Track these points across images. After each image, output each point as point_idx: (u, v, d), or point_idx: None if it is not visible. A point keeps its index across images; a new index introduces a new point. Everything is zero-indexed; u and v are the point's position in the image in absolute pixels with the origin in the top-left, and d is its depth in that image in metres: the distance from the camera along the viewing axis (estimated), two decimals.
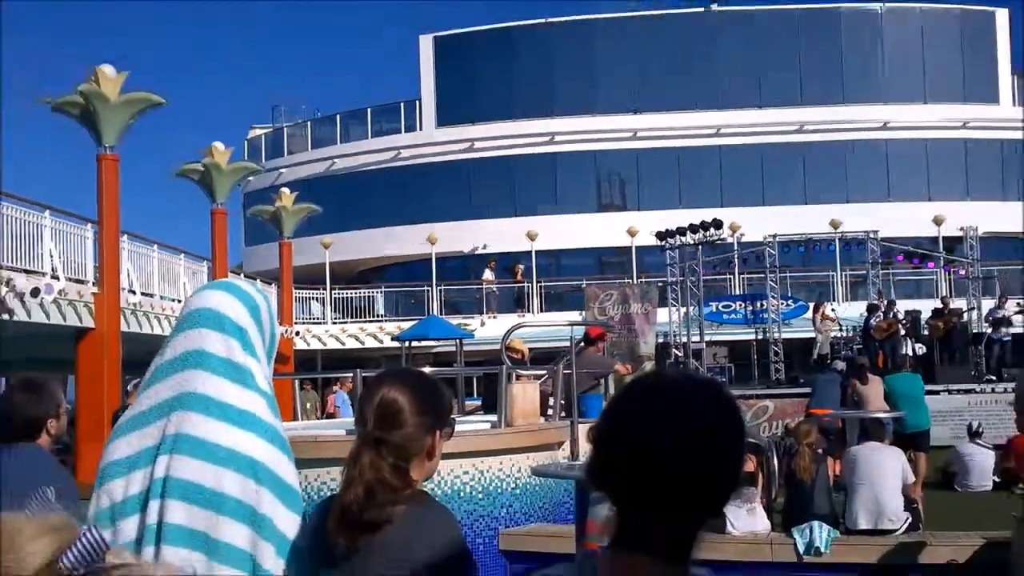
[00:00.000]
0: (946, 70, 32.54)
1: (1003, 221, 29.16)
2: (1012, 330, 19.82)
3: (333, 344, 27.91)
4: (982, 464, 12.56)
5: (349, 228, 31.35)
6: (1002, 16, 33.25)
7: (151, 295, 19.10)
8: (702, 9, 33.19)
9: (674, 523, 1.28)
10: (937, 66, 32.52)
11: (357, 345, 27.83)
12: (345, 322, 28.98)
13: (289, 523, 2.13)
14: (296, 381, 19.70)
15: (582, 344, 9.97)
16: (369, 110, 34.92)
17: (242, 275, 25.05)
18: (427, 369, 17.08)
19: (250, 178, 26.58)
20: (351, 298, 29.93)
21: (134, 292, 17.88)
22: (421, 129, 33.42)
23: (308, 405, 18.88)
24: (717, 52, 32.35)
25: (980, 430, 13.51)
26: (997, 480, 12.46)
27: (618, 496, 1.30)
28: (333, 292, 29.56)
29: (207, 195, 21.36)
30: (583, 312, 18.46)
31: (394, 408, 1.98)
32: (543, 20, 33.42)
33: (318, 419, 16.64)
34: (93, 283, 16.16)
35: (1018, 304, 21.31)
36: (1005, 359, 19.24)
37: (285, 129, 36.77)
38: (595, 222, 31.38)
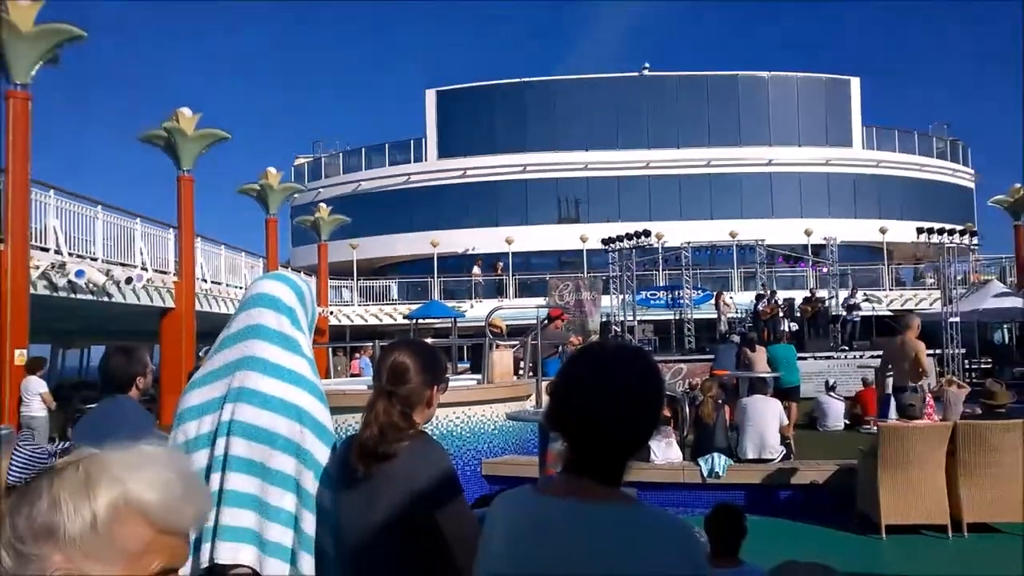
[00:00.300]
0: (814, 121, 32.76)
1: (855, 233, 29.52)
2: (860, 313, 20.02)
3: (359, 321, 27.75)
4: (836, 410, 12.65)
5: (371, 234, 31.13)
6: (855, 83, 33.54)
7: (219, 283, 18.91)
8: (636, 74, 33.24)
9: (610, 457, 1.32)
10: (808, 118, 32.74)
11: (377, 322, 27.70)
12: (368, 304, 28.87)
13: (324, 455, 2.10)
14: (330, 349, 19.66)
15: (545, 322, 9.97)
16: (387, 145, 34.73)
17: (290, 268, 24.88)
18: (429, 340, 17.08)
19: (295, 196, 26.27)
20: (372, 287, 29.87)
21: (205, 280, 17.71)
22: (426, 160, 33.28)
23: (339, 367, 18.80)
24: (647, 106, 32.39)
25: (834, 385, 13.64)
26: (847, 422, 12.57)
27: (568, 436, 1.34)
28: (359, 282, 29.48)
29: (263, 208, 21.17)
30: (547, 298, 18.45)
31: (402, 368, 1.98)
32: (518, 80, 33.38)
33: (347, 377, 16.56)
34: (174, 273, 15.95)
35: (864, 294, 21.51)
36: (855, 334, 19.44)
37: (323, 158, 36.38)
38: (556, 231, 31.48)
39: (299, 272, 20.84)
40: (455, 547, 1.88)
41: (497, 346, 9.31)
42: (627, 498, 1.33)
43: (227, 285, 19.21)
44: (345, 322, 27.40)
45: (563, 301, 17.21)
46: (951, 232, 18.40)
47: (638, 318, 19.21)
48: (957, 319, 18.30)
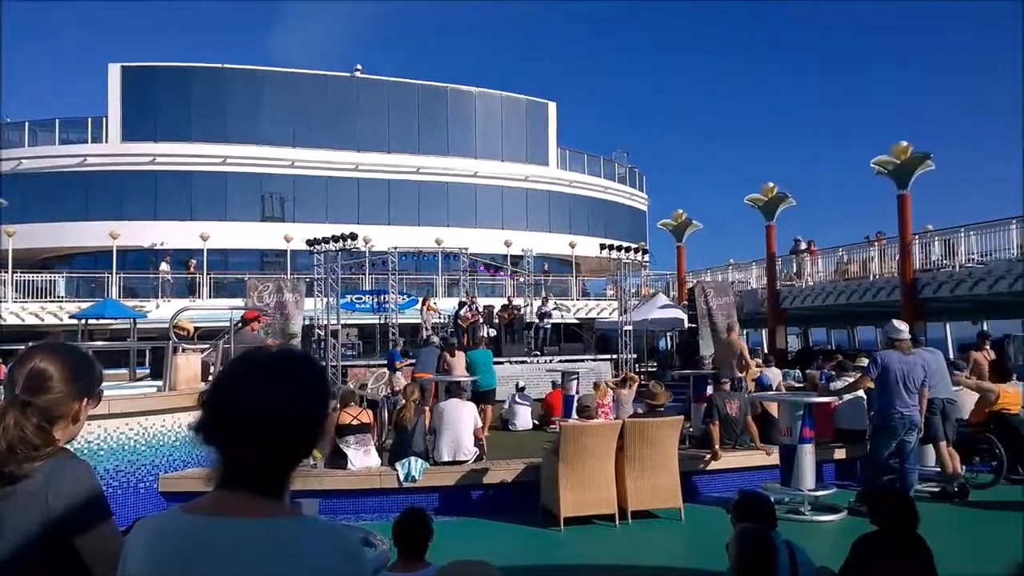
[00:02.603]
0: (516, 139, 35.09)
1: (550, 246, 32.16)
2: (551, 321, 21.77)
3: (13, 320, 23.93)
4: (526, 412, 13.54)
5: (34, 220, 27.04)
6: (552, 107, 36.55)
7: None
8: (348, 74, 32.88)
9: (273, 468, 1.23)
10: (510, 136, 34.98)
11: (37, 321, 24.06)
12: (26, 302, 25.00)
13: None
14: None
15: (240, 324, 9.37)
16: (57, 120, 30.35)
17: None
18: (99, 343, 15.17)
19: None
20: (33, 281, 25.85)
21: None
22: (107, 142, 29.71)
23: None
24: (357, 107, 32.21)
25: (524, 387, 14.60)
26: (536, 423, 13.50)
27: (225, 448, 1.22)
28: (15, 275, 25.40)
29: None
30: (245, 299, 17.50)
31: (43, 375, 1.71)
32: (220, 65, 31.22)
33: None
34: None
35: (555, 303, 23.44)
36: (546, 340, 21.08)
37: None
38: (259, 229, 29.86)
39: None
40: None
41: (183, 350, 8.53)
42: (288, 511, 1.24)
43: None
44: None
45: (262, 303, 16.36)
46: (627, 249, 20.74)
47: (343, 322, 18.94)
48: (630, 327, 20.67)
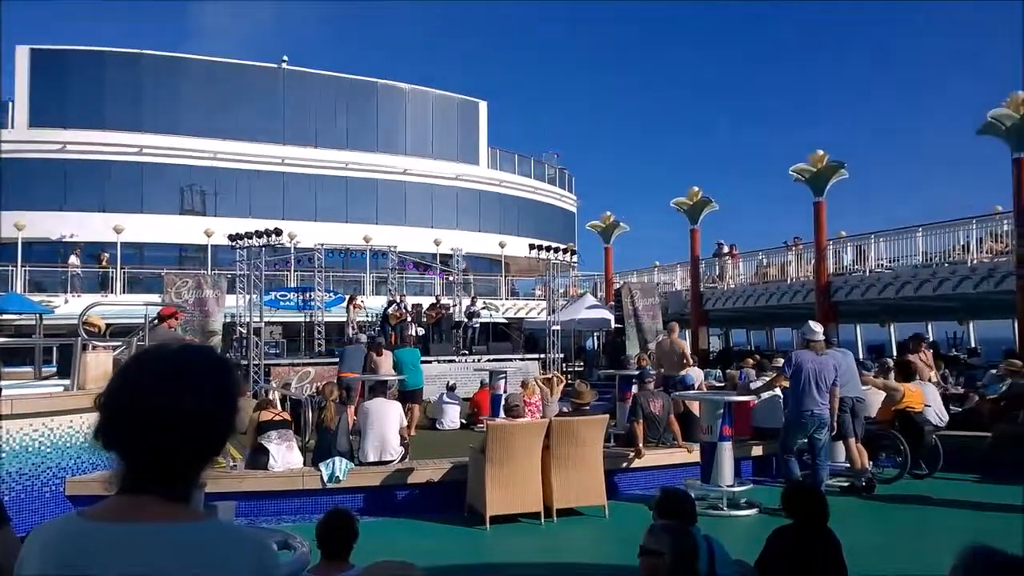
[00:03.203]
0: (447, 137, 34.97)
1: (480, 245, 32.16)
2: (479, 320, 21.78)
3: None
4: (454, 411, 13.52)
5: None
6: (483, 106, 36.56)
7: None
8: (274, 66, 32.10)
9: (179, 470, 1.18)
10: (441, 134, 34.83)
11: None
12: None
13: None
14: None
15: (156, 321, 9.04)
16: None
17: None
18: (0, 339, 14.37)
19: None
20: None
21: None
22: (13, 127, 28.18)
23: None
24: (284, 100, 31.51)
25: (454, 387, 14.58)
26: (464, 422, 13.50)
27: (126, 451, 1.17)
28: None
29: None
30: (162, 295, 16.90)
31: None
32: (137, 51, 30.03)
33: None
34: None
35: (484, 302, 23.46)
36: (474, 339, 21.07)
37: None
38: (177, 223, 28.82)
39: None
40: None
41: (93, 347, 8.17)
42: (196, 515, 1.18)
43: None
44: None
45: (180, 299, 15.85)
46: (557, 250, 20.94)
47: (266, 320, 18.49)
48: (558, 327, 20.86)
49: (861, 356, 18.18)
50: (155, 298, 17.20)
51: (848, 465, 8.77)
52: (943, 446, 9.54)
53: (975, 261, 16.78)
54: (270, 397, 9.36)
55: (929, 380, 10.98)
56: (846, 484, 8.79)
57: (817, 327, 8.43)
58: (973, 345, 25.15)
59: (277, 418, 8.24)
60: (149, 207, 28.63)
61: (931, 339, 23.90)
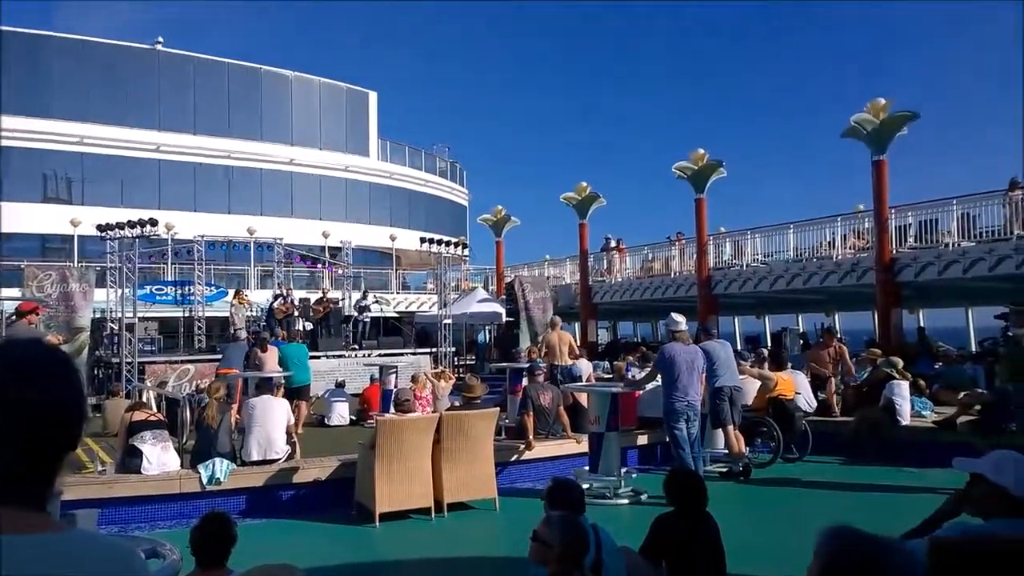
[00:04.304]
0: (335, 127, 34.17)
1: (369, 238, 31.66)
2: (370, 314, 21.48)
3: None
4: (343, 407, 13.25)
5: None
6: (373, 96, 35.99)
7: None
8: (148, 46, 30.38)
9: (32, 475, 1.08)
10: (329, 124, 34.01)
11: None
12: None
13: None
14: None
15: (14, 317, 8.39)
16: None
17: None
18: None
19: None
20: None
21: None
22: None
23: None
24: (159, 83, 29.84)
25: (343, 383, 14.33)
26: (354, 418, 13.28)
27: None
28: None
29: None
30: (22, 289, 15.71)
31: None
32: None
33: None
34: None
35: (375, 296, 23.14)
36: (365, 334, 20.77)
37: None
38: (40, 211, 26.82)
39: None
40: None
41: None
42: (54, 524, 1.09)
43: None
44: None
45: (43, 293, 14.77)
46: (448, 243, 20.88)
47: (140, 314, 17.55)
48: (450, 321, 20.83)
49: (739, 347, 19.08)
50: (14, 292, 16.04)
51: (727, 451, 9.18)
52: (812, 431, 10.16)
53: (840, 256, 17.94)
54: (143, 398, 8.88)
55: (831, 375, 11.51)
56: (724, 470, 9.21)
57: (679, 318, 8.73)
58: (839, 335, 26.84)
59: (152, 419, 7.83)
60: (8, 194, 26.51)
61: (801, 330, 25.41)
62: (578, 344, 14.56)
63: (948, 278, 15.50)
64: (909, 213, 16.72)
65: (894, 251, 16.32)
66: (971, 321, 22.09)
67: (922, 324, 21.28)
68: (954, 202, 16.02)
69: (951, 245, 15.52)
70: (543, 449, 9.15)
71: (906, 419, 10.23)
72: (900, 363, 10.97)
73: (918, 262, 15.91)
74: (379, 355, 18.25)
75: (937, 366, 13.24)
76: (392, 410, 8.87)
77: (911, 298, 18.71)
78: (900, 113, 15.99)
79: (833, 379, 11.47)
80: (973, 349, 19.70)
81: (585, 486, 7.59)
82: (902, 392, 10.35)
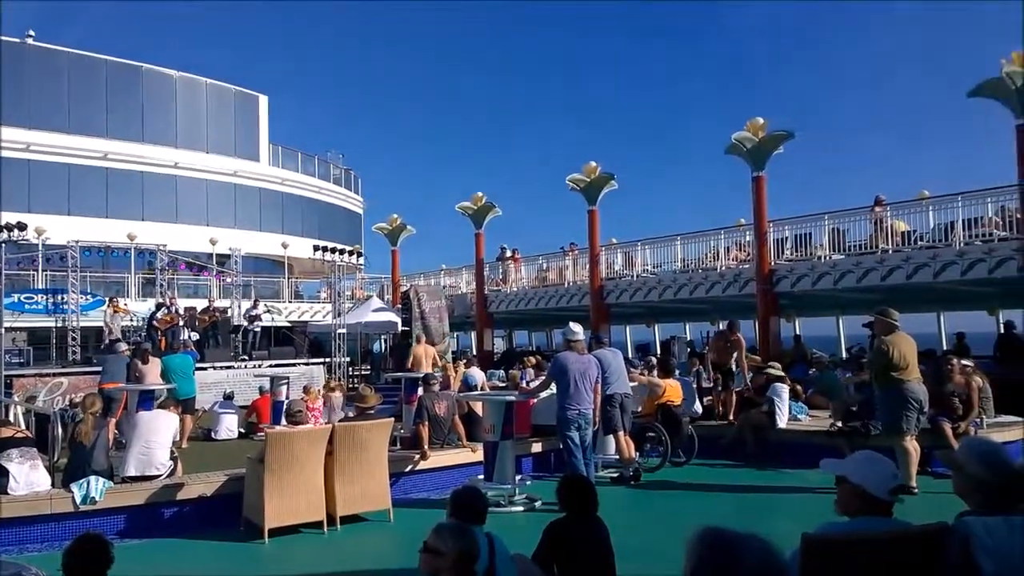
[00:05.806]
0: (224, 131, 32.97)
1: (260, 245, 30.67)
2: (261, 324, 20.84)
3: None
4: (231, 419, 12.80)
5: None
6: (263, 100, 34.98)
7: None
8: (17, 40, 28.38)
9: None
10: (218, 126, 32.78)
11: None
12: None
13: None
14: None
15: None
16: None
17: None
18: None
19: None
20: None
21: None
22: None
23: None
24: (29, 79, 27.92)
25: (232, 394, 13.82)
26: (242, 431, 12.83)
27: None
28: None
29: None
30: None
31: None
32: None
33: None
34: None
35: (266, 306, 22.46)
36: (255, 344, 20.13)
37: None
38: None
39: None
40: None
41: None
42: None
43: None
44: None
45: None
46: (342, 251, 20.53)
47: (7, 325, 16.37)
48: (344, 330, 20.47)
49: (630, 355, 19.63)
50: None
51: (618, 457, 9.43)
52: (697, 435, 10.58)
53: (723, 268, 18.80)
54: (9, 415, 8.30)
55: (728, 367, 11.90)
56: (616, 475, 9.45)
57: (577, 328, 8.94)
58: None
59: (19, 435, 7.33)
60: None
61: (688, 338, 26.41)
62: (473, 353, 14.82)
63: (821, 289, 16.51)
64: (786, 227, 17.71)
65: (772, 263, 17.22)
66: (841, 329, 23.52)
67: (798, 332, 22.52)
68: (825, 217, 17.08)
69: (823, 258, 16.55)
70: (438, 459, 9.13)
71: (784, 422, 10.82)
72: (779, 368, 11.62)
73: (794, 273, 16.87)
74: (270, 366, 17.72)
75: (811, 372, 14.03)
76: (283, 422, 8.65)
77: (788, 307, 19.78)
78: (776, 132, 16.92)
79: (724, 378, 11.78)
80: (843, 355, 21.02)
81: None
82: (783, 395, 10.95)
